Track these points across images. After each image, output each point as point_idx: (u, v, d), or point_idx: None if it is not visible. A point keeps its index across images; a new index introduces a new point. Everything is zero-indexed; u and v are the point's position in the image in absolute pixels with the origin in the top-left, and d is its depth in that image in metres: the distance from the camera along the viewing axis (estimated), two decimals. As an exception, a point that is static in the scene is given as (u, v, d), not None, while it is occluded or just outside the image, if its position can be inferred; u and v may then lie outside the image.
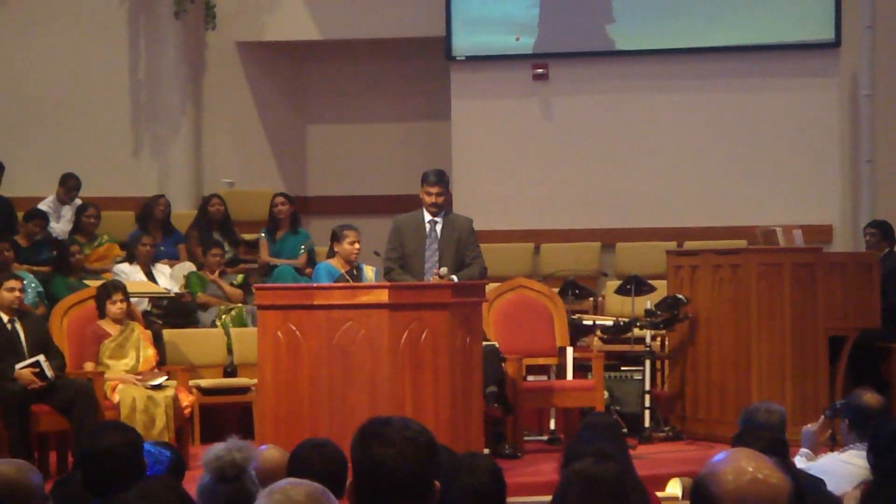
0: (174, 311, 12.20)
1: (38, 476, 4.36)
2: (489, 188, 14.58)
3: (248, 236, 13.91)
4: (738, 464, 2.66)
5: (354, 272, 10.07)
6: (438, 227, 9.73)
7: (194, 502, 3.68)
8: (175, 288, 12.39)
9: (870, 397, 6.80)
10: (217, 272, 12.65)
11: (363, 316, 8.48)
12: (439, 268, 9.56)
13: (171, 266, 12.86)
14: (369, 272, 10.21)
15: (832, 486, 5.80)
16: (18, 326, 9.83)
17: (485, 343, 9.40)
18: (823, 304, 10.76)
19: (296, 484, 3.27)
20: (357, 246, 10.13)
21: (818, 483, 5.69)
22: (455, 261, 9.63)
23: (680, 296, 11.07)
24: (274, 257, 13.45)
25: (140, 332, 10.35)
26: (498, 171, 14.69)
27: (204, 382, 11.30)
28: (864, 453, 6.30)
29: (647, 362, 11.00)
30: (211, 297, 12.50)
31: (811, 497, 4.38)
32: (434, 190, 9.70)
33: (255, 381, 10.20)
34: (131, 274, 12.13)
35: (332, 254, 10.29)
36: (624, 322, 11.34)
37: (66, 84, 14.51)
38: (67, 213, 13.44)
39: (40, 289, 11.63)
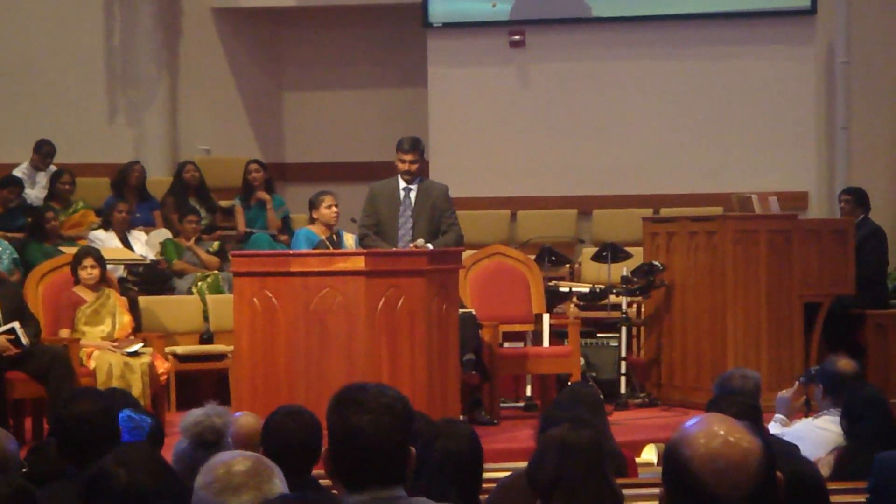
0: (150, 278, 12.18)
1: (13, 443, 4.36)
2: (466, 155, 14.57)
3: (224, 203, 13.88)
4: (709, 428, 2.68)
5: (334, 238, 10.07)
6: (413, 195, 9.71)
7: (172, 469, 3.68)
8: (151, 255, 12.36)
9: (844, 363, 6.83)
10: (193, 239, 12.63)
11: (340, 283, 8.48)
12: (413, 234, 9.56)
13: (147, 233, 12.83)
14: (349, 239, 10.20)
15: (806, 451, 5.84)
16: (-7, 293, 9.80)
17: (461, 310, 9.41)
18: (798, 271, 10.80)
19: (235, 458, 3.25)
20: (335, 209, 10.13)
21: (792, 448, 5.72)
22: (429, 228, 9.61)
23: (656, 262, 11.10)
24: (248, 224, 13.43)
25: (116, 299, 10.33)
26: (474, 138, 14.67)
27: (180, 349, 11.29)
28: (837, 419, 6.35)
29: (623, 329, 11.03)
30: (187, 265, 12.47)
31: (785, 462, 4.40)
32: (408, 157, 9.68)
33: (231, 348, 10.20)
34: (107, 241, 12.10)
35: (312, 221, 10.28)
36: (600, 289, 11.36)
37: (41, 50, 14.43)
38: (42, 179, 13.38)
39: (15, 255, 11.58)
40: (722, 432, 2.66)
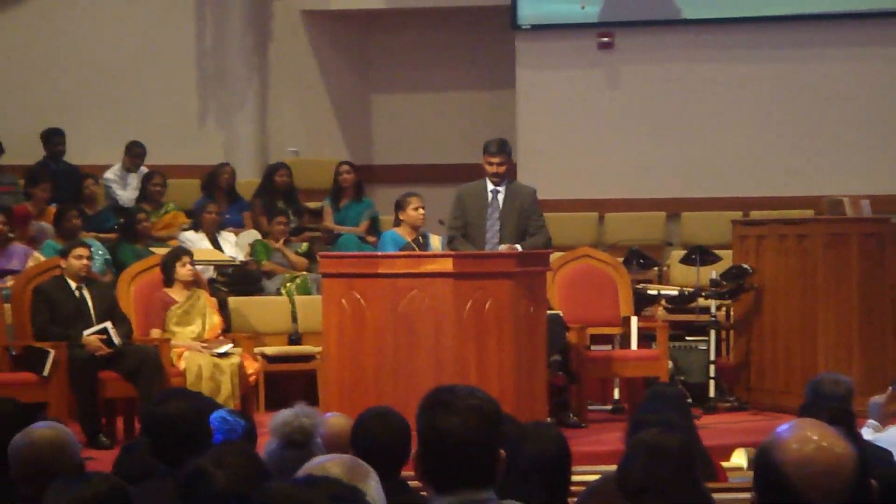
0: (239, 279, 12.25)
1: (74, 438, 4.42)
2: (554, 157, 14.54)
3: (312, 205, 13.95)
4: (802, 433, 2.65)
5: (420, 240, 10.09)
6: (500, 197, 9.68)
7: (267, 469, 3.70)
8: (240, 256, 12.45)
9: (938, 369, 6.75)
10: (282, 240, 12.70)
11: (428, 285, 8.50)
12: (500, 237, 9.54)
13: (237, 234, 12.92)
14: (436, 242, 10.22)
15: (899, 457, 5.76)
16: (86, 293, 9.91)
17: (549, 312, 9.39)
18: (891, 275, 10.67)
19: (332, 459, 3.29)
20: (421, 211, 10.14)
21: (886, 454, 5.66)
22: (517, 230, 9.59)
23: (745, 266, 11.01)
24: (338, 225, 13.49)
25: (206, 300, 10.42)
26: (563, 141, 14.64)
27: (269, 350, 11.36)
28: (932, 425, 6.26)
29: (712, 332, 10.96)
30: (276, 265, 12.54)
31: (878, 468, 4.35)
32: (496, 160, 9.66)
33: (319, 349, 10.25)
34: (197, 241, 12.20)
35: (398, 223, 10.30)
36: (689, 292, 11.29)
37: (133, 52, 14.59)
38: (133, 180, 13.53)
39: (108, 256, 11.73)
40: (815, 437, 2.63)
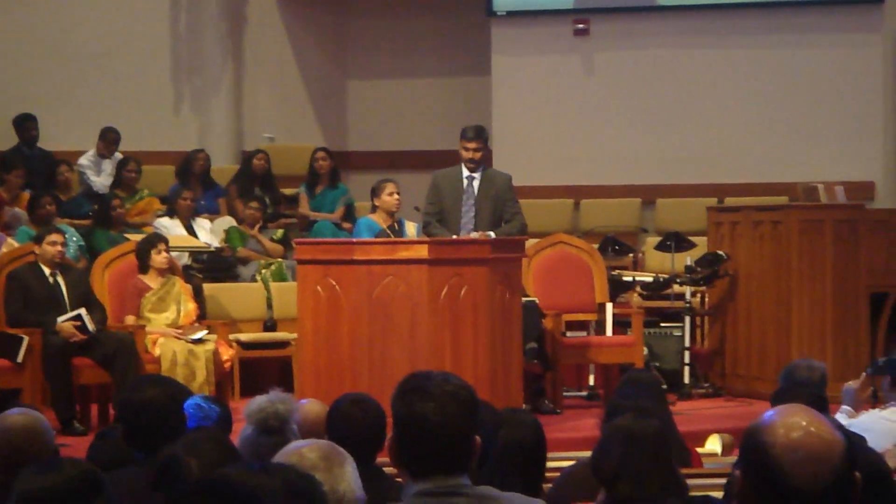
0: (214, 266, 12.24)
1: (47, 424, 4.40)
2: (529, 144, 14.54)
3: (287, 191, 13.92)
4: (790, 418, 2.66)
5: (396, 227, 10.07)
6: (476, 183, 9.69)
7: (240, 455, 3.69)
8: (215, 242, 12.42)
9: (912, 355, 6.77)
10: (257, 227, 12.66)
11: (403, 271, 8.49)
12: (475, 223, 9.54)
13: (212, 220, 12.89)
14: (411, 228, 10.20)
15: (873, 442, 5.79)
16: (60, 280, 9.88)
17: (524, 299, 9.40)
18: (865, 261, 10.71)
19: (308, 444, 3.29)
20: (396, 197, 10.12)
21: (859, 440, 5.68)
22: (492, 217, 9.60)
23: (720, 252, 11.04)
24: (313, 212, 13.47)
25: (181, 286, 10.39)
26: (538, 127, 14.64)
27: (244, 336, 11.34)
28: (905, 411, 6.29)
29: (687, 319, 10.99)
30: (251, 252, 12.52)
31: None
32: (472, 145, 9.67)
33: (294, 335, 10.24)
34: (172, 228, 12.17)
35: (374, 210, 10.29)
36: (664, 278, 11.32)
37: (107, 38, 14.52)
38: (108, 166, 13.48)
39: (82, 242, 11.68)
40: (804, 423, 2.64)
